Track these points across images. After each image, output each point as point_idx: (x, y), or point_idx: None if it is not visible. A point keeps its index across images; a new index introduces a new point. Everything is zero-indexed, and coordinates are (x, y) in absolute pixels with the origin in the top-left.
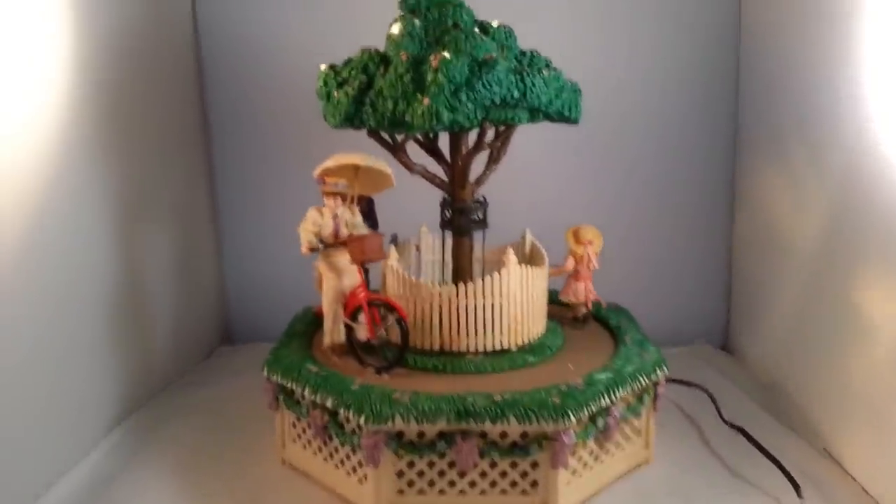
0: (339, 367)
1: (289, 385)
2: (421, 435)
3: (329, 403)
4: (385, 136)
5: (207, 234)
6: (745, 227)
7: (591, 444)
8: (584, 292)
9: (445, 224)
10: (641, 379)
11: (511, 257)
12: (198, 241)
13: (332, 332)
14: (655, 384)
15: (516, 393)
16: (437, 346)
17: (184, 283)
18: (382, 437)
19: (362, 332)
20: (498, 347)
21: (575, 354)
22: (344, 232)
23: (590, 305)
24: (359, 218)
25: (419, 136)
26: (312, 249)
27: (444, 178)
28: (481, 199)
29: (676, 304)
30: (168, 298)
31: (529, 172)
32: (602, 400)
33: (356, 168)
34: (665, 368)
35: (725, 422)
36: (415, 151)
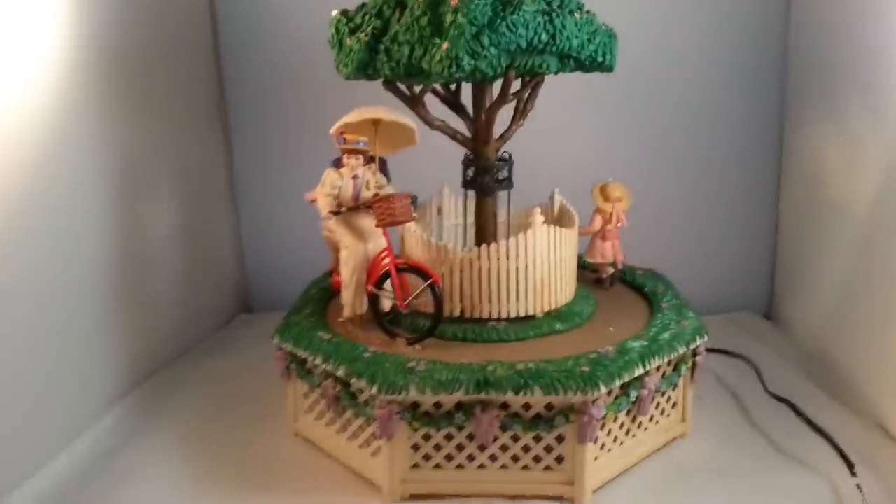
0: (355, 337)
1: (300, 353)
2: (438, 406)
3: (341, 372)
4: (402, 87)
5: (223, 202)
6: (793, 187)
7: (623, 417)
8: (611, 252)
9: (468, 183)
10: (679, 347)
11: (538, 217)
12: (213, 208)
13: (354, 302)
14: (694, 353)
15: (541, 362)
16: (457, 313)
17: (198, 251)
18: (396, 408)
19: (388, 302)
20: (523, 314)
21: (607, 322)
22: (366, 194)
23: (620, 265)
24: (382, 177)
25: (439, 88)
26: (335, 213)
27: (467, 133)
28: (507, 156)
29: (717, 270)
30: (180, 266)
31: (560, 129)
32: (635, 369)
33: (376, 124)
34: (705, 336)
35: (770, 394)
36: (435, 106)
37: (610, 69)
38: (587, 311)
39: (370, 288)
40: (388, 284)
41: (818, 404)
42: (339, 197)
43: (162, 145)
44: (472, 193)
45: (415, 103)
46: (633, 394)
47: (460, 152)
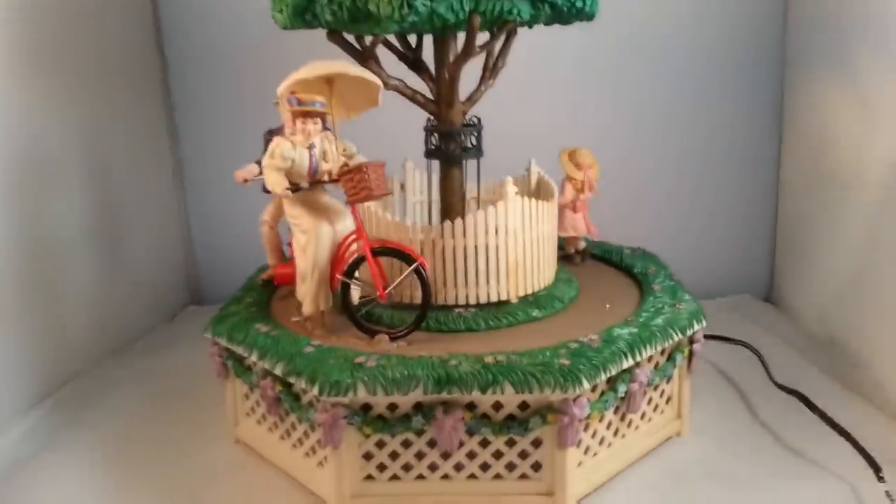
0: (310, 334)
1: (235, 349)
2: (392, 408)
3: (279, 370)
4: (350, 39)
5: (168, 189)
6: (794, 154)
7: (610, 415)
8: (583, 224)
9: (431, 153)
10: (673, 334)
11: (510, 188)
12: (156, 195)
13: (317, 297)
14: (691, 340)
15: (514, 353)
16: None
17: (132, 242)
18: (343, 412)
19: (357, 293)
20: (494, 299)
21: (592, 306)
22: (325, 166)
23: (595, 237)
24: (350, 144)
25: (396, 44)
26: (293, 190)
27: (429, 95)
28: (474, 121)
29: (712, 250)
30: (106, 260)
31: (536, 92)
32: (623, 361)
33: (330, 83)
34: (703, 321)
35: (777, 384)
36: (392, 64)
37: (590, 17)
38: (569, 296)
39: (339, 277)
40: (360, 273)
41: (832, 396)
42: (292, 172)
43: (91, 130)
44: (437, 165)
45: (365, 58)
46: (622, 389)
47: (424, 121)
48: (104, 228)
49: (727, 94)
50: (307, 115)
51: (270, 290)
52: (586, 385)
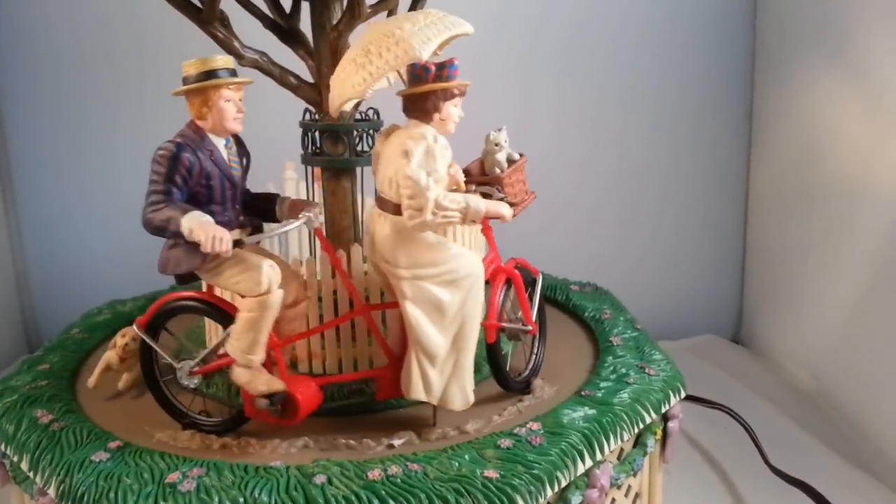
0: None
1: (6, 448)
2: None
3: (53, 490)
4: None
5: None
6: (765, 169)
7: None
8: None
9: (310, 157)
10: (644, 413)
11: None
12: None
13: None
14: (665, 417)
15: (415, 457)
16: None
17: None
18: None
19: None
20: None
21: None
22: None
23: None
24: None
25: (264, 8)
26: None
27: (308, 78)
28: (370, 114)
29: (672, 283)
30: None
31: (470, 89)
32: (579, 462)
33: None
34: (681, 391)
35: (775, 470)
36: (261, 35)
37: None
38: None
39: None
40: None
41: (843, 480)
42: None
43: None
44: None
45: (206, 20)
46: (576, 500)
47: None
48: None
49: (691, 104)
50: (457, 95)
51: (86, 350)
52: None
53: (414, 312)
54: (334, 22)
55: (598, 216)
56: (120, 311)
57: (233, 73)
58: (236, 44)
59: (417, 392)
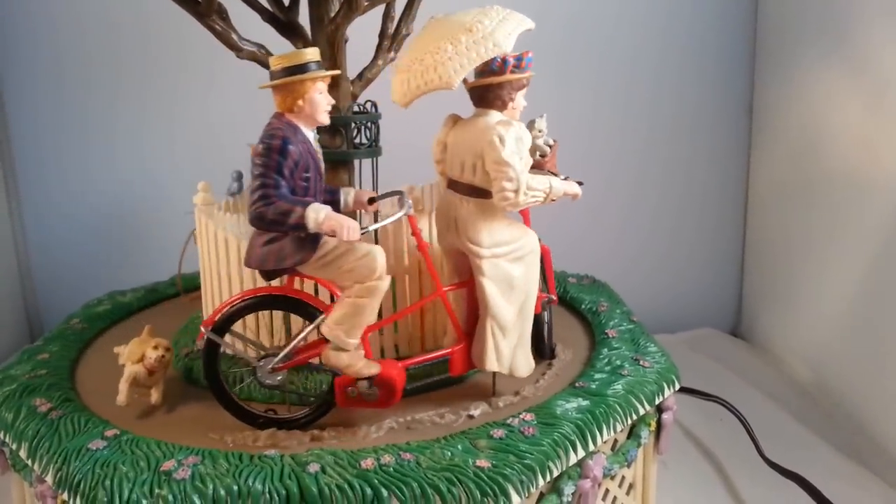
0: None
1: (5, 436)
2: None
3: (50, 476)
4: None
5: None
6: (765, 163)
7: None
8: None
9: None
10: (638, 404)
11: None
12: None
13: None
14: (659, 409)
15: (408, 446)
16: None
17: None
18: None
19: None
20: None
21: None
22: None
23: None
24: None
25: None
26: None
27: None
28: (368, 106)
29: (672, 277)
30: None
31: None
32: (571, 452)
33: None
34: (676, 383)
35: (768, 462)
36: (259, 28)
37: None
38: None
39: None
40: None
41: (840, 474)
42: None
43: None
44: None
45: (204, 12)
46: (569, 490)
47: None
48: None
49: (692, 98)
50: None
51: (86, 339)
52: (516, 500)
53: (491, 289)
54: (332, 15)
55: (598, 209)
56: (120, 301)
57: (320, 65)
58: (234, 36)
59: (491, 363)
